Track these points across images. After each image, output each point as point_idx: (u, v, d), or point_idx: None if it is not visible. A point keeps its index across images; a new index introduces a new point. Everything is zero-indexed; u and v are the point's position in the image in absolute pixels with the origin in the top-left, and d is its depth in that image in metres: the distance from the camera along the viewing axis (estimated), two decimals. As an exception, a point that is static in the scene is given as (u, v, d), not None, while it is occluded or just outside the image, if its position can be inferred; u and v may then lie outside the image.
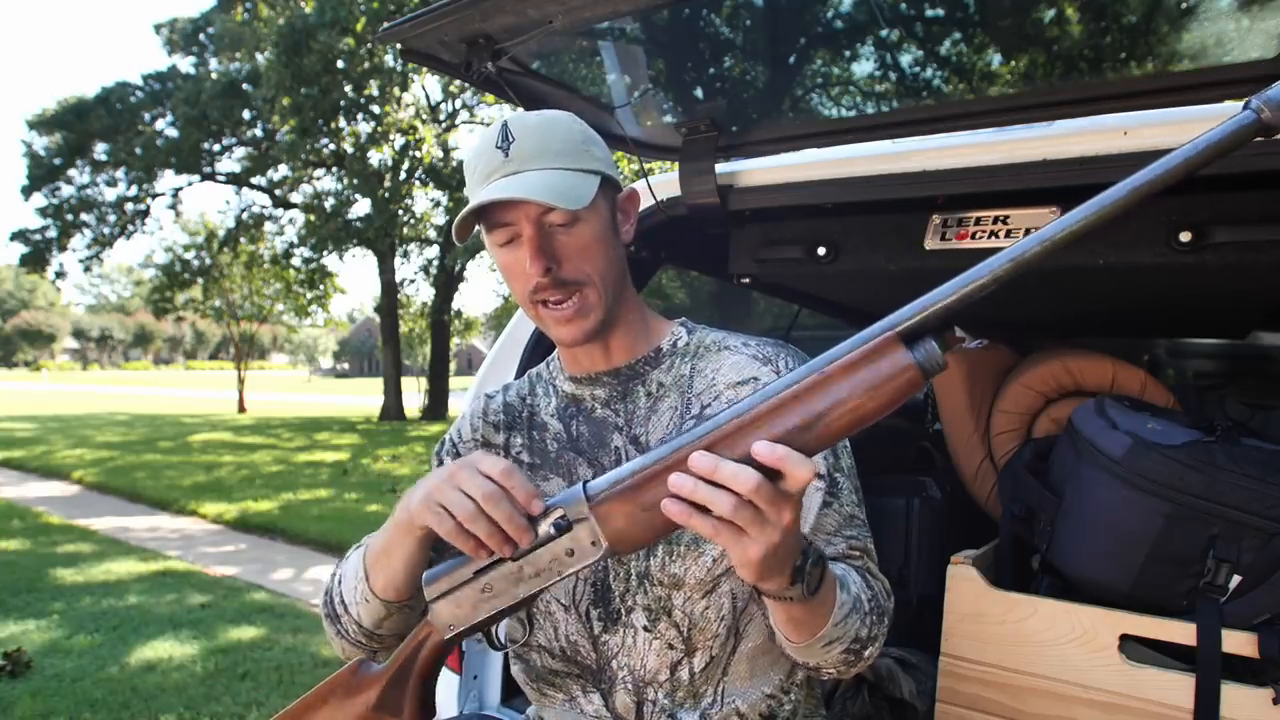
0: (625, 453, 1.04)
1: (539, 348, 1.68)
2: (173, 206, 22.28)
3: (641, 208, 1.59)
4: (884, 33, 1.81)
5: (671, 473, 0.71)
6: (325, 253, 17.50)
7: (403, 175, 16.18)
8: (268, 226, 19.34)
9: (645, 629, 1.00)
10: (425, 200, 18.06)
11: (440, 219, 17.72)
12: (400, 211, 16.17)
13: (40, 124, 18.62)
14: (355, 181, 15.65)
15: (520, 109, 1.49)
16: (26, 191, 18.73)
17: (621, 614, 1.01)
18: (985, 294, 0.66)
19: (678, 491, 0.70)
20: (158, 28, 19.37)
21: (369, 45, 13.56)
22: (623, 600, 1.01)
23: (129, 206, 18.98)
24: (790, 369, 1.02)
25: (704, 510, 0.70)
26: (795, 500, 0.71)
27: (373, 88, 14.86)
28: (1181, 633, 1.21)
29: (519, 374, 1.67)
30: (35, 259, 18.85)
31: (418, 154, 15.88)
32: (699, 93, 1.98)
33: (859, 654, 0.92)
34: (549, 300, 0.97)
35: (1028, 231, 1.30)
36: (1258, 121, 0.59)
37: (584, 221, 0.96)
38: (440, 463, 1.14)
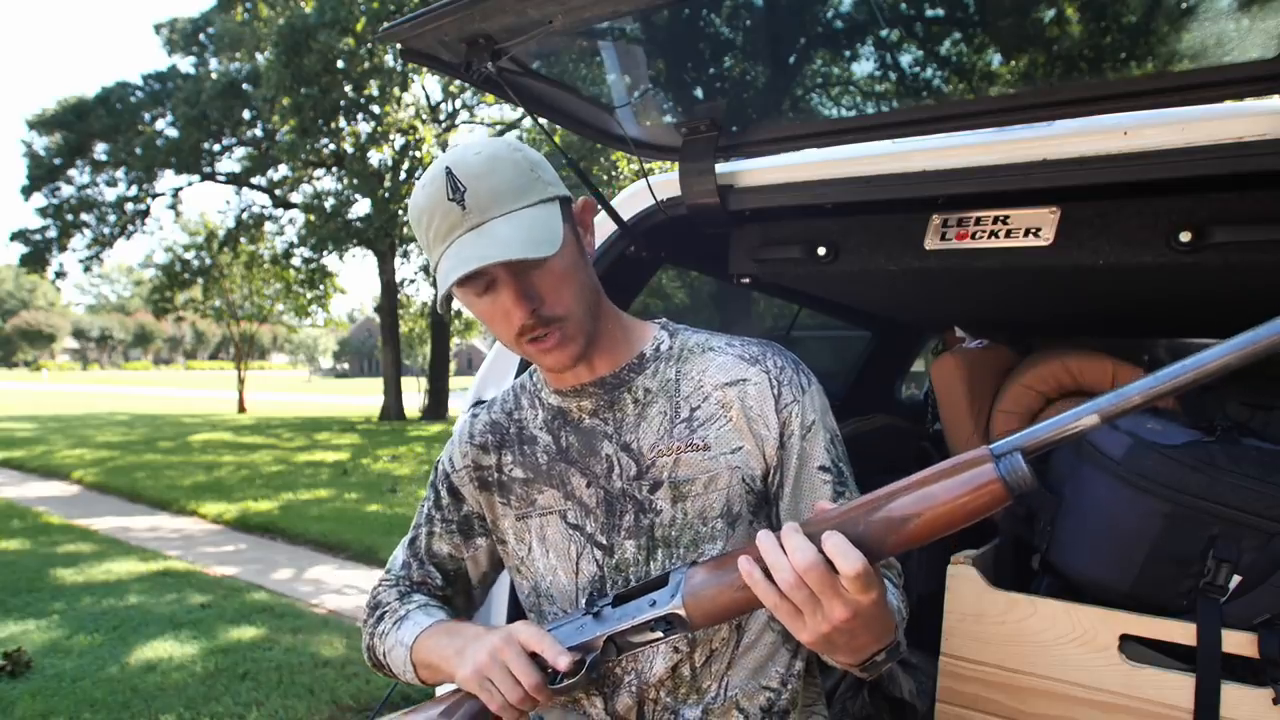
0: (617, 459, 1.03)
1: (539, 348, 1.67)
2: (173, 206, 22.26)
3: (641, 208, 1.59)
4: (884, 33, 1.81)
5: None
6: (325, 253, 17.51)
7: (403, 175, 16.18)
8: (268, 226, 19.35)
9: None
10: (425, 200, 18.04)
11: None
12: (400, 211, 16.16)
13: (40, 124, 18.62)
14: (355, 181, 15.64)
15: (522, 109, 1.49)
16: (26, 191, 18.73)
17: None
18: (1088, 430, 0.70)
19: (759, 545, 0.75)
20: (158, 28, 19.36)
21: (369, 45, 13.56)
22: None
23: (129, 206, 18.99)
24: (779, 368, 1.02)
25: (772, 582, 0.74)
26: (848, 600, 0.73)
27: (373, 88, 14.86)
28: (1181, 633, 1.21)
29: (519, 373, 1.66)
30: (35, 259, 18.85)
31: (418, 154, 15.87)
32: (699, 93, 1.98)
33: (894, 653, 0.94)
34: (534, 337, 0.96)
35: (1028, 232, 1.30)
36: None
37: (555, 254, 0.92)
38: (437, 495, 1.17)
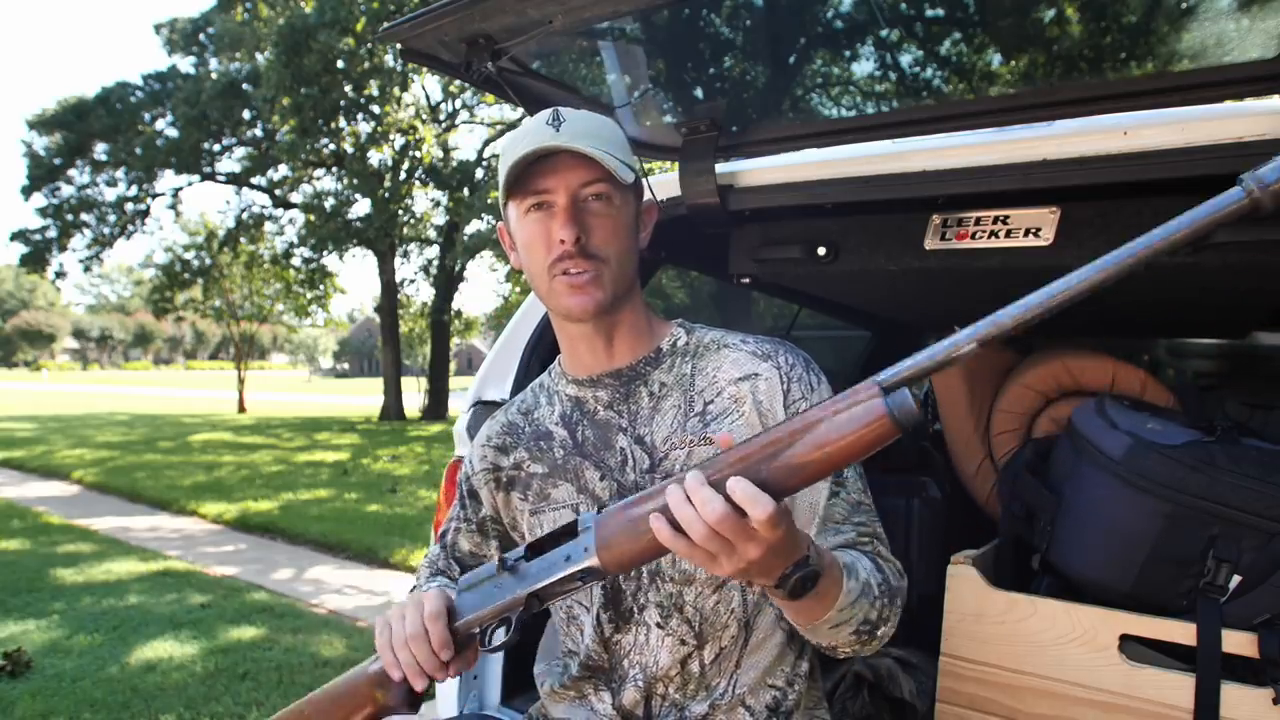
0: (630, 453, 1.05)
1: (539, 348, 1.68)
2: (173, 206, 22.27)
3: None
4: (884, 33, 1.81)
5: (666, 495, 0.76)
6: (325, 253, 17.51)
7: (403, 175, 16.18)
8: (268, 226, 19.34)
9: (658, 625, 1.03)
10: (425, 200, 18.09)
11: (440, 219, 17.73)
12: (400, 211, 16.16)
13: (40, 124, 18.60)
14: (355, 181, 15.64)
15: (522, 109, 1.50)
16: (26, 191, 18.72)
17: (634, 612, 1.04)
18: (968, 356, 0.69)
19: (668, 501, 0.74)
20: (158, 28, 19.35)
21: (369, 45, 13.56)
22: (635, 599, 1.04)
23: (129, 206, 18.98)
24: (790, 365, 1.04)
25: (683, 532, 0.74)
26: (760, 539, 0.73)
27: (373, 88, 14.85)
28: (1181, 633, 1.21)
29: (519, 374, 1.67)
30: (35, 259, 18.84)
31: (418, 154, 15.87)
32: (699, 93, 1.98)
33: (871, 634, 0.93)
34: (568, 270, 0.99)
35: (1028, 232, 1.30)
36: (1248, 200, 0.57)
37: (615, 205, 1.00)
38: (460, 494, 1.20)
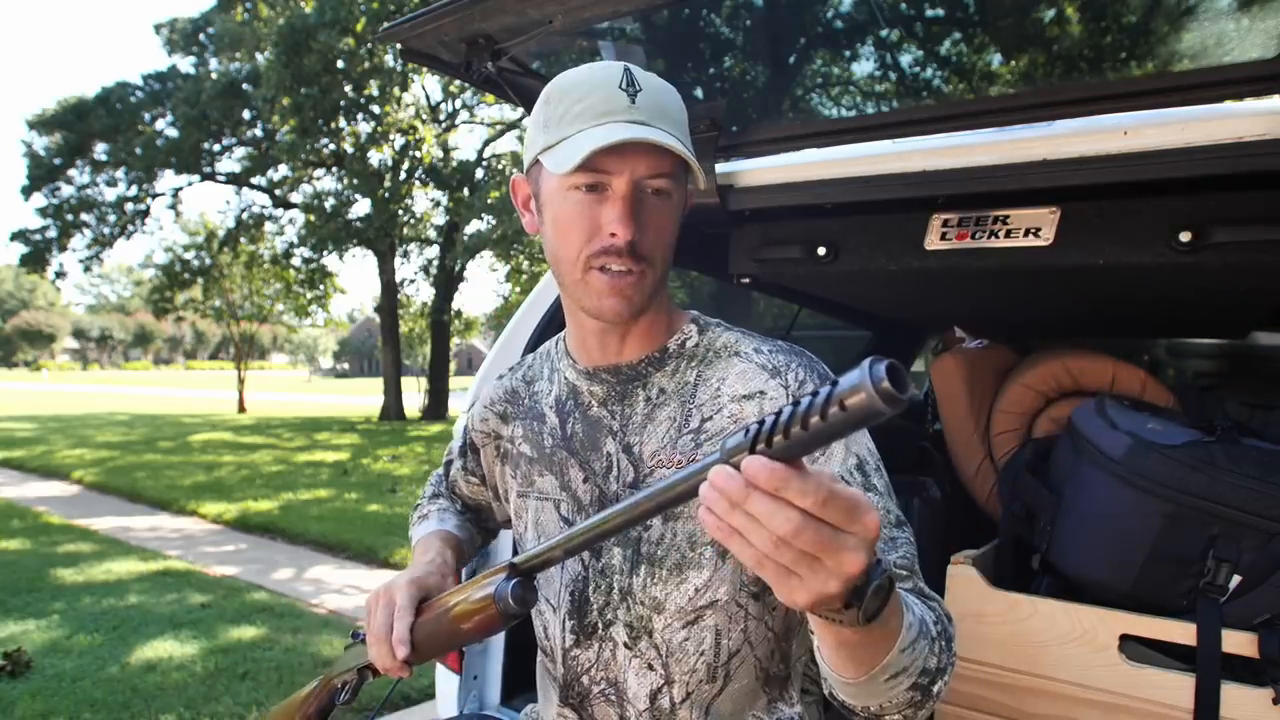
0: (616, 461, 0.98)
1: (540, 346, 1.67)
2: (173, 206, 22.25)
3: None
4: (884, 33, 1.81)
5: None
6: (325, 253, 17.50)
7: (403, 175, 16.18)
8: (268, 226, 19.33)
9: (626, 645, 0.96)
10: (425, 200, 18.09)
11: (440, 219, 17.73)
12: (400, 211, 16.17)
13: (40, 124, 18.61)
14: (355, 181, 15.64)
15: (518, 112, 1.50)
16: (26, 191, 18.72)
17: (599, 628, 0.97)
18: (580, 550, 0.76)
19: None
20: (158, 28, 19.36)
21: (369, 45, 13.56)
22: (601, 614, 0.97)
23: (129, 206, 18.97)
24: (799, 383, 0.93)
25: None
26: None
27: (373, 88, 14.86)
28: (1181, 633, 1.21)
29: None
30: (35, 259, 18.84)
31: (418, 154, 15.88)
32: (699, 93, 1.98)
33: (928, 690, 0.73)
34: (609, 266, 0.88)
35: (1028, 232, 1.30)
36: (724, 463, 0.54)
37: (673, 200, 0.90)
38: (463, 443, 1.21)
